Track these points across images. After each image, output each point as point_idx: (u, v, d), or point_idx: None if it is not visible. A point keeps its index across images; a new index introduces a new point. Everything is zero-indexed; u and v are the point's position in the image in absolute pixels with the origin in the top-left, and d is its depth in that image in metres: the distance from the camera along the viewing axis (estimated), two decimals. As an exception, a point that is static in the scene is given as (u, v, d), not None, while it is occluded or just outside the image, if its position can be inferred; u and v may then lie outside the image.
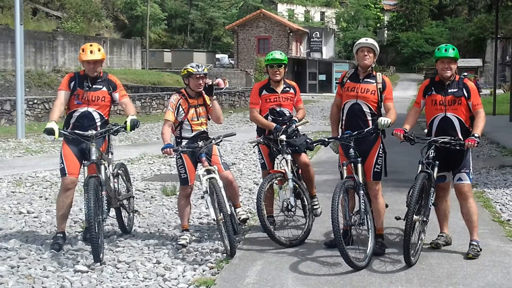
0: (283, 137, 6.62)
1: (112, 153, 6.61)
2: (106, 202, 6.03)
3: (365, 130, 6.03)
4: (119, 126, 6.28)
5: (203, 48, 64.97)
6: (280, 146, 6.64)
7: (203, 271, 5.63)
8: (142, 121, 16.32)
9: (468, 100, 5.96)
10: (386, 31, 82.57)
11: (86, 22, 47.10)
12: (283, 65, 6.87)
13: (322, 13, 76.31)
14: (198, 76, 6.35)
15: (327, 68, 50.85)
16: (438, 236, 6.30)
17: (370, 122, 6.11)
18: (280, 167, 6.74)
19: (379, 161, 6.14)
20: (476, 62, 54.39)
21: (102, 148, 6.35)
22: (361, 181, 5.94)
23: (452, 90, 5.99)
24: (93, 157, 6.06)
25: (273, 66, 6.84)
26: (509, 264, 5.73)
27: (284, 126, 6.72)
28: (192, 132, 6.47)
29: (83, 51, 6.28)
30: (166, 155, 6.21)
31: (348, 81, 6.23)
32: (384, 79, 6.23)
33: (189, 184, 6.44)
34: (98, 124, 6.30)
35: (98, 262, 5.70)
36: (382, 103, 6.21)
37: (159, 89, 32.18)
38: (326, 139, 6.25)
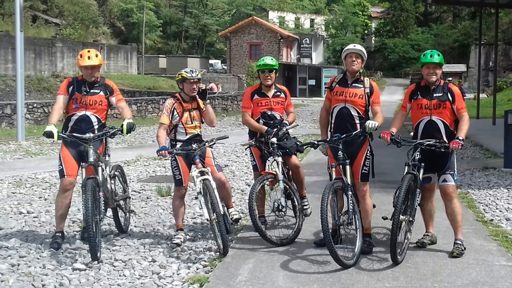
0: (274, 139, 6.70)
1: (109, 155, 6.68)
2: (103, 202, 6.08)
3: (353, 133, 6.12)
4: (116, 129, 6.35)
5: (197, 54, 64.87)
6: (271, 149, 6.72)
7: (197, 269, 5.70)
8: (138, 124, 16.46)
9: (453, 104, 6.06)
10: (373, 38, 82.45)
11: (84, 29, 47.18)
12: (274, 70, 6.95)
13: (312, 20, 76.56)
14: (192, 81, 6.46)
15: (317, 73, 50.69)
16: (424, 235, 6.39)
17: (358, 126, 6.20)
18: (271, 168, 6.82)
19: (367, 163, 6.23)
20: (461, 67, 54.22)
21: (100, 150, 6.43)
22: (349, 182, 6.02)
23: (437, 94, 6.08)
24: (91, 159, 6.15)
25: (264, 71, 6.93)
26: (492, 262, 5.83)
27: (275, 129, 6.80)
28: (186, 135, 6.57)
29: (81, 56, 6.36)
30: (161, 157, 6.25)
31: (337, 85, 6.31)
32: (371, 83, 6.32)
33: (183, 185, 6.53)
34: (96, 127, 6.39)
35: (96, 260, 5.78)
36: (370, 107, 6.29)
37: (155, 94, 32.13)
38: (316, 142, 6.35)
